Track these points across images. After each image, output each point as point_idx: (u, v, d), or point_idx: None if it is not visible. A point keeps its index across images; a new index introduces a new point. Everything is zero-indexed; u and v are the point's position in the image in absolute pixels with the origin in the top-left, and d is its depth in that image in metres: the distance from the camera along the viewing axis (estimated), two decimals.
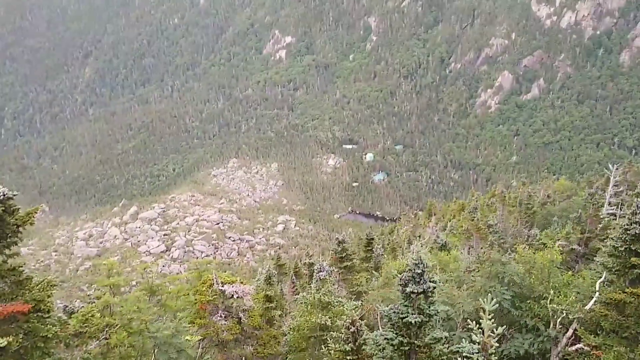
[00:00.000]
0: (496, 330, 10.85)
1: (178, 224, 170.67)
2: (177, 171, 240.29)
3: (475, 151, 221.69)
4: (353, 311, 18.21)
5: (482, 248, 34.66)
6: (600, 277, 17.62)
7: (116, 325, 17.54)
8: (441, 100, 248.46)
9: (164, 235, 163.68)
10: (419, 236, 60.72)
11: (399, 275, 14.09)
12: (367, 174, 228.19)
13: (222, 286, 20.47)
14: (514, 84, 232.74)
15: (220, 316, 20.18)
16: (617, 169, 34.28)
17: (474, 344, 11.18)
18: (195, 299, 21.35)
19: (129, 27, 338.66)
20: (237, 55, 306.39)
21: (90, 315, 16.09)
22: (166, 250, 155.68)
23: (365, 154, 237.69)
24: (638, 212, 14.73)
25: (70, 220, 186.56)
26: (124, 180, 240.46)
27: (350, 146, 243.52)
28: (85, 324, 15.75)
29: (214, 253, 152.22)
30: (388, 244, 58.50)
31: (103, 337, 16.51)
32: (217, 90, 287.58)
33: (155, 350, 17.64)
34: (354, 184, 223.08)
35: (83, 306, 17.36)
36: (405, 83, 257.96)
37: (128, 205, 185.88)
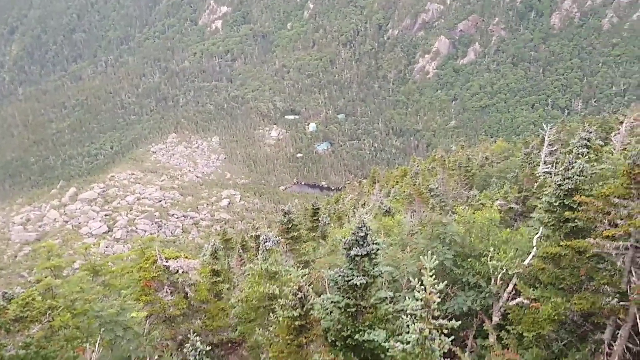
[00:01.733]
0: (437, 286, 11.18)
1: (119, 203, 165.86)
2: (115, 149, 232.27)
3: (415, 117, 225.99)
4: (300, 278, 18.35)
5: (424, 211, 35.57)
6: (537, 233, 18.38)
7: (59, 307, 17.02)
8: (380, 67, 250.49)
9: (105, 215, 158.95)
10: (364, 203, 61.66)
11: (343, 240, 14.25)
12: (310, 144, 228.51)
13: (166, 262, 20.13)
14: (450, 49, 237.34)
15: (166, 292, 19.89)
16: (551, 128, 35.60)
17: (417, 300, 11.48)
18: (140, 277, 20.91)
19: (57, 0, 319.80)
20: (172, 27, 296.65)
21: (30, 299, 15.52)
22: (108, 231, 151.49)
23: (308, 124, 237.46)
24: (570, 168, 15.43)
25: (5, 205, 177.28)
26: (61, 160, 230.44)
27: (292, 117, 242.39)
28: (26, 308, 15.21)
29: (158, 231, 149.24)
30: (334, 213, 59.09)
31: (46, 320, 15.99)
32: (152, 64, 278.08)
33: (101, 330, 17.24)
34: (298, 155, 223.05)
35: (23, 292, 16.68)
36: (345, 51, 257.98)
37: (66, 187, 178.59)
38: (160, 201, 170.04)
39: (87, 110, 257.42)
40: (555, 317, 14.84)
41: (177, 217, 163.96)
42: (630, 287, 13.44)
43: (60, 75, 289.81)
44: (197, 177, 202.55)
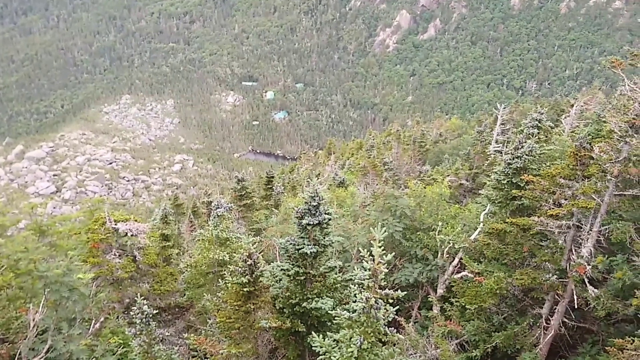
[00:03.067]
0: (385, 257, 11.35)
1: (68, 163, 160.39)
2: (66, 108, 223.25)
3: (374, 90, 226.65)
4: (251, 245, 18.31)
5: (377, 184, 35.98)
6: (485, 209, 18.89)
7: (2, 267, 16.38)
8: (341, 39, 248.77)
9: (54, 175, 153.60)
10: (319, 174, 61.81)
11: (296, 208, 14.22)
12: (267, 113, 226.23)
13: (116, 224, 19.68)
14: (411, 24, 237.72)
15: (115, 254, 19.52)
16: (504, 108, 36.42)
17: (365, 270, 11.64)
18: (88, 238, 20.37)
19: None
20: None
21: None
22: (56, 192, 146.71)
23: (266, 92, 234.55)
24: (520, 147, 15.83)
25: None
26: (7, 117, 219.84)
27: (250, 83, 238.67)
28: None
29: (108, 194, 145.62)
30: (288, 183, 58.97)
31: None
32: (107, 22, 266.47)
33: (46, 291, 16.75)
34: (254, 123, 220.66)
35: None
36: (306, 19, 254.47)
37: (13, 144, 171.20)
38: (111, 163, 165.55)
39: (37, 65, 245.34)
40: (497, 291, 15.37)
41: (128, 180, 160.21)
42: (569, 264, 14.04)
43: (9, 28, 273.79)
44: (150, 140, 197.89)
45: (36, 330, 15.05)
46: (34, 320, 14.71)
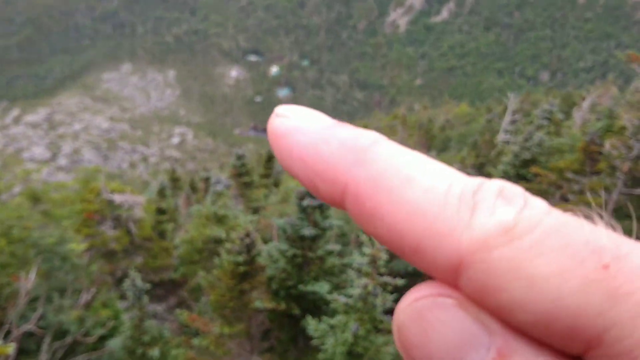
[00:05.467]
0: None
1: (65, 130, 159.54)
2: (65, 73, 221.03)
3: (382, 72, 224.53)
4: (249, 224, 18.05)
5: None
6: None
7: None
8: (351, 16, 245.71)
9: (50, 142, 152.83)
10: None
11: (296, 189, 13.97)
12: (271, 89, 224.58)
13: (111, 195, 19.43)
14: (424, 5, 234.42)
15: (109, 226, 19.31)
16: (515, 97, 35.88)
17: (364, 256, 11.45)
18: (82, 208, 20.14)
19: None
20: None
21: None
22: (52, 158, 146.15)
23: (271, 68, 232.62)
24: (529, 139, 15.51)
25: None
26: (5, 80, 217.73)
27: (254, 58, 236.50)
28: None
29: (104, 163, 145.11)
30: None
31: None
32: None
33: (39, 259, 16.54)
34: (257, 99, 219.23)
35: None
36: None
37: (9, 108, 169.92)
38: (109, 132, 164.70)
39: (38, 28, 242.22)
40: None
41: (126, 151, 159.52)
42: None
43: None
44: (150, 110, 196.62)
45: (27, 298, 14.86)
46: (25, 287, 14.52)
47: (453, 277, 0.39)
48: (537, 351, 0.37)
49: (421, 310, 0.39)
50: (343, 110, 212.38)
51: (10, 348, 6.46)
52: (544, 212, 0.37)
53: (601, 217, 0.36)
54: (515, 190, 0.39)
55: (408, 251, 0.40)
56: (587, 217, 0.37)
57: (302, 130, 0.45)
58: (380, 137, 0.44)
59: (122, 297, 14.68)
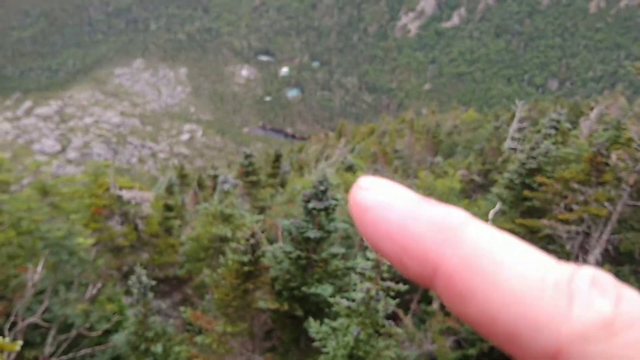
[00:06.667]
0: None
1: (76, 124, 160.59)
2: (77, 67, 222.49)
3: (391, 75, 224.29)
4: (255, 224, 18.17)
5: (386, 172, 35.67)
6: (494, 207, 18.67)
7: (3, 224, 16.34)
8: (362, 19, 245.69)
9: (60, 134, 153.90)
10: (328, 156, 61.52)
11: (303, 191, 14.07)
12: (280, 89, 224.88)
13: (120, 191, 19.60)
14: (435, 10, 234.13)
15: (117, 221, 19.47)
16: (523, 105, 35.77)
17: (368, 260, 11.52)
18: (91, 203, 20.31)
19: None
20: None
21: None
22: (62, 151, 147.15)
23: (281, 68, 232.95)
24: (536, 148, 15.52)
25: None
26: (19, 72, 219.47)
27: (265, 58, 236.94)
28: None
29: (113, 158, 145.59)
30: (296, 162, 58.75)
31: None
32: None
33: (46, 252, 16.73)
34: (267, 99, 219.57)
35: None
36: None
37: (22, 100, 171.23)
38: (119, 127, 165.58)
39: (52, 22, 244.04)
40: None
41: (135, 146, 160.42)
42: None
43: None
44: (160, 107, 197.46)
45: (34, 290, 15.05)
46: (32, 279, 14.71)
47: None
48: None
49: None
50: (351, 112, 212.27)
51: (17, 346, 6.58)
52: None
53: None
54: (607, 279, 0.41)
55: (502, 336, 0.42)
56: None
57: (389, 205, 0.46)
58: (468, 216, 0.46)
59: (128, 292, 14.82)
